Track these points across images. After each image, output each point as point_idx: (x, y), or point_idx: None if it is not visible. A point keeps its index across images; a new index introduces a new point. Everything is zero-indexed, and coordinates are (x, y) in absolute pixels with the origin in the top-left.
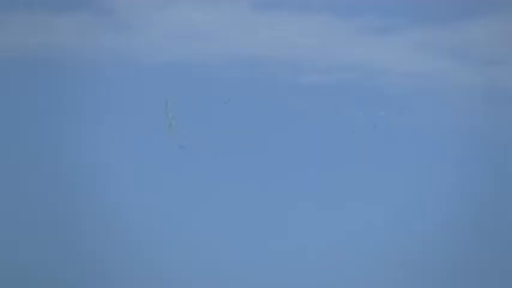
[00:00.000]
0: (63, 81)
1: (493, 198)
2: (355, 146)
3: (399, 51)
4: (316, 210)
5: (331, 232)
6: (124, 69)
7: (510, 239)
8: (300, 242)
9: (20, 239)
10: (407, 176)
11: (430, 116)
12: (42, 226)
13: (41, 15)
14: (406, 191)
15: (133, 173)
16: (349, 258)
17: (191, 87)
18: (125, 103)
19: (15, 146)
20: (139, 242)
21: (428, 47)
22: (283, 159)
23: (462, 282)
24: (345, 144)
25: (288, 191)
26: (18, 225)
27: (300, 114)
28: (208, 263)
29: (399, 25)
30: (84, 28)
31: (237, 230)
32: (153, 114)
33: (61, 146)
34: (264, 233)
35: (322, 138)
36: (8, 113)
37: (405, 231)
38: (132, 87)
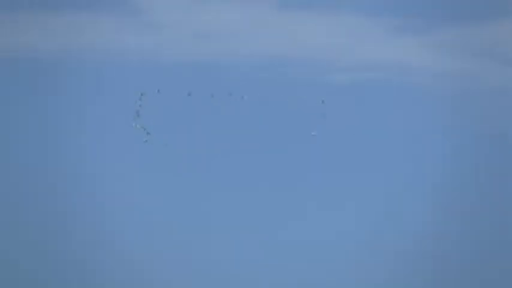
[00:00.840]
0: (92, 80)
1: None
2: (383, 143)
3: (425, 50)
4: (354, 210)
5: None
6: (150, 68)
7: (498, 232)
8: (298, 239)
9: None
10: (438, 169)
11: (453, 114)
12: (24, 225)
13: (70, 16)
14: (437, 188)
15: (137, 174)
16: (348, 256)
17: (217, 86)
18: (152, 100)
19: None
20: (129, 242)
21: (455, 46)
22: (310, 157)
23: (452, 276)
24: (373, 141)
25: (310, 189)
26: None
27: (328, 112)
28: (206, 263)
29: (425, 25)
30: (112, 28)
31: (257, 230)
32: (175, 110)
33: (83, 143)
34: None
35: (350, 136)
36: (36, 110)
37: (410, 231)
38: (157, 85)
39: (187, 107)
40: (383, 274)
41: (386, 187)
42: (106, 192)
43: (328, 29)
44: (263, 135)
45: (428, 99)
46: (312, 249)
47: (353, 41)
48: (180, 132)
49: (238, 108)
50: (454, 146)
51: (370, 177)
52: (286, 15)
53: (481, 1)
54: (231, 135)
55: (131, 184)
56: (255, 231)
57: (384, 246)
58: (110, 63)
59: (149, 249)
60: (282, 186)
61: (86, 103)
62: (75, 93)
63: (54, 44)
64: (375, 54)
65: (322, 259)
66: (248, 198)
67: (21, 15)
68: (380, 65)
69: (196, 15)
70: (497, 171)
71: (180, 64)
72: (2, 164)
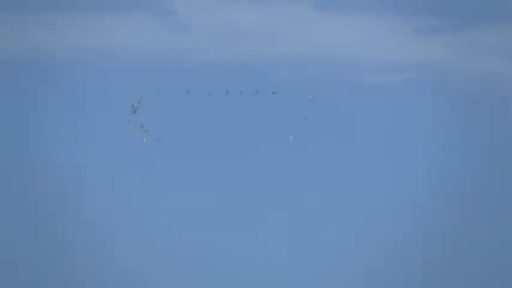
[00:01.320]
0: (122, 80)
1: None
2: (414, 143)
3: (457, 50)
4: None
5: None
6: (179, 68)
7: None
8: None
9: None
10: (475, 168)
11: (486, 114)
12: (17, 225)
13: (101, 17)
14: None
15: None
16: (348, 255)
17: (248, 85)
18: (181, 100)
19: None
20: (128, 241)
21: (487, 47)
22: (339, 157)
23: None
24: (404, 141)
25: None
26: None
27: (362, 113)
28: (205, 263)
29: (457, 25)
30: (141, 28)
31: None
32: (204, 111)
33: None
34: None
35: (385, 136)
36: (57, 107)
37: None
38: (186, 86)
39: (216, 107)
40: (379, 273)
41: (420, 188)
42: (108, 192)
43: (360, 29)
44: (293, 134)
45: (459, 99)
46: (312, 249)
47: (384, 41)
48: (210, 131)
49: (268, 107)
50: (491, 146)
51: (404, 177)
52: (316, 15)
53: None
54: (261, 134)
55: (138, 184)
56: (257, 231)
57: (384, 244)
58: (140, 63)
59: (148, 249)
60: (310, 186)
61: (114, 103)
62: (105, 94)
63: (90, 44)
64: (406, 54)
65: (322, 258)
66: (269, 196)
67: (44, 16)
68: (411, 65)
69: (226, 16)
70: None
71: (209, 65)
72: (4, 163)
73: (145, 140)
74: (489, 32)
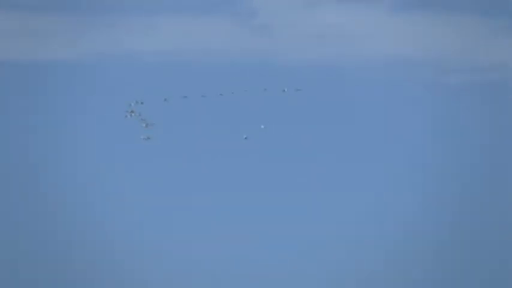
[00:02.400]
0: (207, 80)
1: None
2: (498, 143)
3: None
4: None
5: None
6: (262, 68)
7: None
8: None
9: None
10: None
11: None
12: (17, 225)
13: (185, 18)
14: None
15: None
16: (347, 255)
17: (330, 86)
18: (262, 99)
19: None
20: (129, 241)
21: None
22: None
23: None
24: (488, 141)
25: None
26: None
27: (443, 113)
28: (204, 262)
29: None
30: (226, 30)
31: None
32: (284, 109)
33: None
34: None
35: (468, 137)
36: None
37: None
38: (268, 85)
39: (296, 105)
40: (379, 273)
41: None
42: (111, 192)
43: (443, 30)
44: (369, 134)
45: None
46: (313, 248)
47: (469, 42)
48: (304, 129)
49: (353, 106)
50: None
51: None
52: (400, 16)
53: None
54: (346, 132)
55: (147, 184)
56: (259, 231)
57: (385, 243)
58: (225, 64)
59: (148, 249)
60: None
61: (197, 102)
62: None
63: (176, 46)
64: (490, 55)
65: (322, 258)
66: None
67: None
68: (496, 66)
69: (309, 17)
70: None
71: (292, 66)
72: (8, 162)
73: (245, 137)
74: None
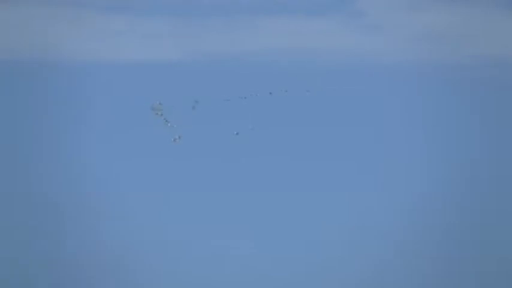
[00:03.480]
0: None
1: None
2: None
3: None
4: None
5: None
6: (370, 68)
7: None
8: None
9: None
10: None
11: None
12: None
13: (296, 19)
14: None
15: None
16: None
17: (436, 86)
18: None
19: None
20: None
21: None
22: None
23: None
24: None
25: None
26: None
27: None
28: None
29: None
30: (336, 30)
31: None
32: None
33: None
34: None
35: None
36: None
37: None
38: (375, 86)
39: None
40: (380, 273)
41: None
42: (114, 192)
43: None
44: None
45: None
46: (315, 248)
47: None
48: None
49: (461, 107)
50: None
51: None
52: (507, 16)
53: None
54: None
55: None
56: (261, 231)
57: (388, 242)
58: (332, 64)
59: (149, 249)
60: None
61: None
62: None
63: (283, 46)
64: None
65: (323, 258)
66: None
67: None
68: None
69: (418, 16)
70: None
71: (400, 65)
72: (14, 161)
73: None
74: None
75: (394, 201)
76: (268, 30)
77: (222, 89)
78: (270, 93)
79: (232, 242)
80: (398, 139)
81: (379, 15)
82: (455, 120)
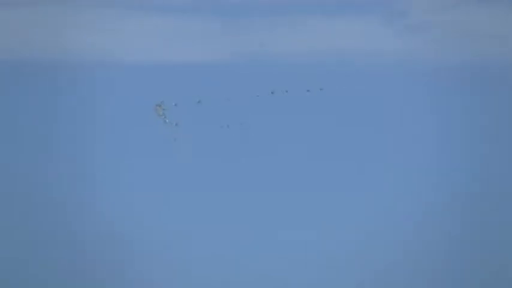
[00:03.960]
0: (355, 85)
1: None
2: None
3: None
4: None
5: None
6: (405, 70)
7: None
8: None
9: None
10: None
11: None
12: (43, 224)
13: (335, 20)
14: None
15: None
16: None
17: (484, 86)
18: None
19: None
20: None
21: None
22: None
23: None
24: None
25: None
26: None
27: None
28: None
29: None
30: (374, 30)
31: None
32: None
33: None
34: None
35: None
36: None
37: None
38: (412, 88)
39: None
40: (384, 273)
41: None
42: (115, 192)
43: None
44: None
45: None
46: (319, 248)
47: None
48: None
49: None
50: None
51: None
52: None
53: None
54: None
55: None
56: (265, 231)
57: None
58: (368, 64)
59: (154, 249)
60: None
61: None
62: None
63: (327, 48)
64: None
65: (322, 260)
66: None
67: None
68: None
69: (459, 16)
70: None
71: (441, 67)
72: (16, 162)
73: None
74: None
75: (398, 203)
76: (310, 31)
77: (263, 86)
78: (308, 91)
79: (232, 242)
80: (431, 142)
81: (420, 14)
82: (495, 123)
